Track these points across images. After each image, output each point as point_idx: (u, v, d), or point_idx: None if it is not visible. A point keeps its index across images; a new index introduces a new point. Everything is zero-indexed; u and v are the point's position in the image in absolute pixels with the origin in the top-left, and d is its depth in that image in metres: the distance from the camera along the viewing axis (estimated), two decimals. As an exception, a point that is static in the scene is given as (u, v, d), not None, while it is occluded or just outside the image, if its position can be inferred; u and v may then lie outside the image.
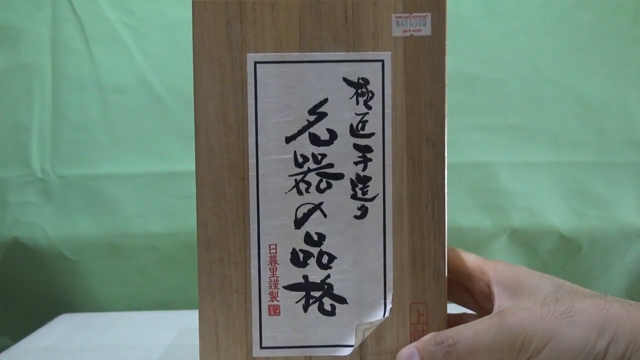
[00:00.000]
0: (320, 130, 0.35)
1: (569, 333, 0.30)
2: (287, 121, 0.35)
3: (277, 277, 0.36)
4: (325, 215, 0.36)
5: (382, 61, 0.35)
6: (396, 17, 0.35)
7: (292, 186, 0.36)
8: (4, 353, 0.54)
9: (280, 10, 0.35)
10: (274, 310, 0.36)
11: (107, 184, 0.67)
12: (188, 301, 0.65)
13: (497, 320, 0.32)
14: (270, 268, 0.36)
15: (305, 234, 0.36)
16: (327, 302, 0.36)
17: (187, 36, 0.36)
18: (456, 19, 0.67)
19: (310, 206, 0.36)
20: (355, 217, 0.36)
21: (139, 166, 0.67)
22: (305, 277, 0.36)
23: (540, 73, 0.68)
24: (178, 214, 0.67)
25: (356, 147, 0.35)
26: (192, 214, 0.36)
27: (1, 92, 0.67)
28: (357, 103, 0.35)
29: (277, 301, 0.36)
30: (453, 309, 0.41)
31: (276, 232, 0.36)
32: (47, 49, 0.67)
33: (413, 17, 0.35)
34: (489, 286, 0.36)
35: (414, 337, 0.35)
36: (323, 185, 0.36)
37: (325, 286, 0.36)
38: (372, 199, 0.35)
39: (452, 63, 0.66)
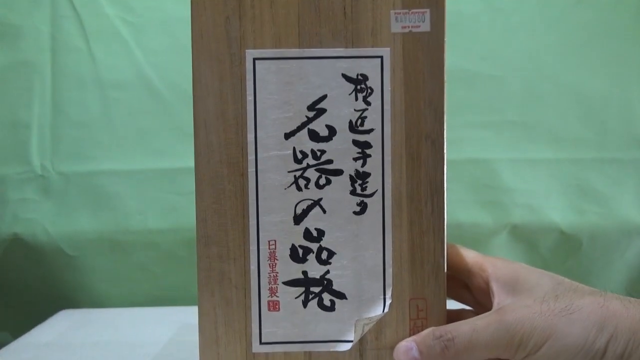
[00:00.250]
0: (319, 126, 0.35)
1: (568, 330, 0.30)
2: (286, 117, 0.35)
3: (277, 272, 0.36)
4: (324, 211, 0.36)
5: (381, 57, 0.35)
6: (395, 13, 0.35)
7: (291, 182, 0.36)
8: (5, 349, 0.54)
9: (279, 6, 0.35)
10: (274, 306, 0.36)
11: (107, 180, 0.67)
12: (188, 297, 0.65)
13: (496, 317, 0.32)
14: (269, 264, 0.36)
15: (305, 229, 0.36)
16: (327, 298, 0.36)
17: (187, 33, 0.36)
18: (456, 16, 0.67)
19: (309, 202, 0.36)
20: (355, 213, 0.36)
21: (139, 163, 0.67)
22: (304, 272, 0.36)
23: (541, 70, 0.68)
24: (178, 211, 0.67)
25: (355, 143, 0.35)
26: (192, 210, 0.36)
27: (1, 89, 0.67)
28: (356, 99, 0.35)
29: (277, 297, 0.36)
30: (452, 305, 0.41)
31: (275, 228, 0.36)
32: (47, 46, 0.67)
33: (412, 13, 0.35)
34: (487, 283, 0.36)
35: (413, 333, 0.35)
36: (322, 181, 0.36)
37: (325, 282, 0.36)
38: (371, 195, 0.36)
39: (453, 60, 0.66)
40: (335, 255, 0.36)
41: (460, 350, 0.32)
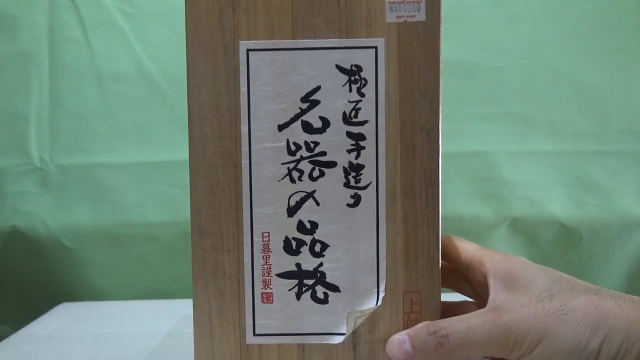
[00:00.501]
0: (313, 118, 0.35)
1: (562, 331, 0.30)
2: (280, 109, 0.35)
3: (270, 264, 0.36)
4: (318, 204, 0.35)
5: (376, 48, 0.35)
6: (390, 2, 0.34)
7: (284, 174, 0.35)
8: (4, 341, 0.54)
9: None
10: (267, 298, 0.36)
11: (106, 173, 0.67)
12: (187, 290, 0.65)
13: (491, 316, 0.32)
14: (263, 256, 0.36)
15: (298, 222, 0.36)
16: (320, 290, 0.36)
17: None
18: (457, 7, 0.66)
19: (303, 194, 0.35)
20: (348, 205, 0.35)
21: (138, 155, 0.67)
22: (298, 265, 0.36)
23: (542, 61, 0.67)
24: (177, 203, 0.67)
25: (349, 134, 0.35)
26: (190, 203, 0.36)
27: (-2, 80, 0.67)
28: (350, 90, 0.35)
29: (270, 289, 0.36)
30: (453, 297, 0.41)
31: (269, 220, 0.36)
32: (45, 37, 0.67)
33: (407, 2, 0.34)
34: (485, 277, 0.36)
35: (407, 326, 0.35)
36: (316, 173, 0.35)
37: (318, 274, 0.36)
38: (365, 187, 0.35)
39: (453, 51, 0.67)
40: (328, 248, 0.36)
41: (454, 347, 0.32)
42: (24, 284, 0.69)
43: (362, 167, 0.35)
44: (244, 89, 0.35)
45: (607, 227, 0.66)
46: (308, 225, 0.36)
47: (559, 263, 0.67)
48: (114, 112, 0.67)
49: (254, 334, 0.36)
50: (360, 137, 0.35)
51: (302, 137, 0.35)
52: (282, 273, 0.36)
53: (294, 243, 0.36)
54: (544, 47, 0.67)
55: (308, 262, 0.36)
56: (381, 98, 0.35)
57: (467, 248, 0.38)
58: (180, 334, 0.54)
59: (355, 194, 0.35)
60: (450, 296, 0.41)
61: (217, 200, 0.36)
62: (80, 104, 0.67)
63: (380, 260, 0.35)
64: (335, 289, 0.36)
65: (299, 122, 0.35)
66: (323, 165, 0.35)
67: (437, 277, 0.36)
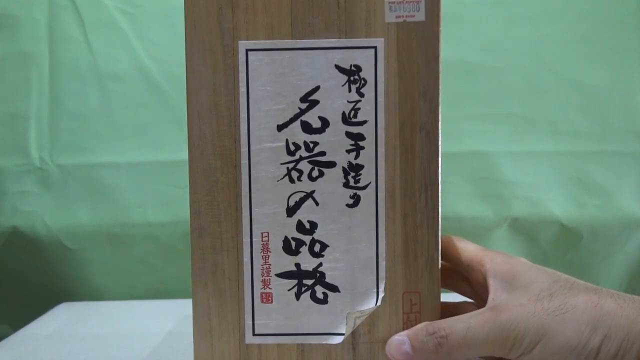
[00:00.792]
0: (312, 118, 0.35)
1: (562, 330, 0.30)
2: (279, 109, 0.35)
3: (270, 264, 0.36)
4: (317, 204, 0.35)
5: (375, 48, 0.35)
6: (389, 2, 0.34)
7: (284, 174, 0.35)
8: (4, 341, 0.54)
9: None
10: (267, 298, 0.36)
11: (106, 173, 0.67)
12: (187, 290, 0.65)
13: (490, 315, 0.32)
14: (262, 256, 0.36)
15: (298, 222, 0.36)
16: (320, 290, 0.36)
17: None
18: (457, 6, 0.66)
19: (302, 194, 0.35)
20: (348, 205, 0.35)
21: (138, 155, 0.67)
22: (297, 265, 0.36)
23: (542, 61, 0.67)
24: (177, 203, 0.67)
25: (348, 135, 0.35)
26: (190, 202, 0.36)
27: (-2, 80, 0.67)
28: (350, 90, 0.35)
29: (270, 289, 0.36)
30: (454, 297, 0.41)
31: (268, 220, 0.36)
32: (45, 37, 0.67)
33: (406, 2, 0.34)
34: (485, 277, 0.36)
35: (407, 326, 0.35)
36: (315, 173, 0.35)
37: (318, 274, 0.36)
38: (364, 188, 0.35)
39: (453, 51, 0.67)
40: (328, 248, 0.36)
41: (453, 347, 0.32)
42: (24, 284, 0.69)
43: (361, 167, 0.35)
44: (243, 89, 0.35)
45: (607, 227, 0.66)
46: (307, 225, 0.36)
47: (559, 263, 0.67)
48: (114, 112, 0.67)
49: (254, 334, 0.36)
50: (360, 137, 0.35)
51: (301, 137, 0.35)
52: (281, 273, 0.36)
53: (293, 243, 0.36)
54: (544, 47, 0.67)
55: (307, 262, 0.36)
56: (380, 98, 0.35)
57: (467, 248, 0.38)
58: (180, 334, 0.54)
59: (355, 194, 0.35)
60: (450, 297, 0.41)
61: (216, 201, 0.36)
62: (80, 104, 0.67)
63: (379, 260, 0.35)
64: (334, 289, 0.36)
65: (298, 122, 0.35)
66: (322, 165, 0.35)
67: (436, 277, 0.36)
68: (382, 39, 0.35)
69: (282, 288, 0.36)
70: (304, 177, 0.35)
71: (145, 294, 0.69)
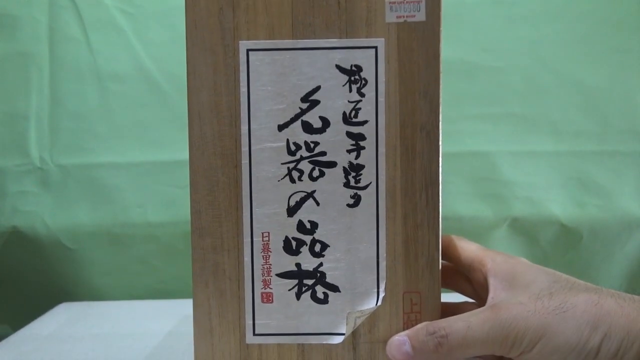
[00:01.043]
0: (313, 118, 0.35)
1: (562, 329, 0.30)
2: (280, 109, 0.35)
3: (270, 264, 0.36)
4: (318, 204, 0.35)
5: (376, 48, 0.35)
6: (390, 2, 0.34)
7: (284, 174, 0.35)
8: (4, 341, 0.54)
9: None
10: (267, 298, 0.36)
11: (106, 173, 0.67)
12: (187, 290, 0.65)
13: (490, 314, 0.32)
14: (263, 256, 0.36)
15: (298, 222, 0.36)
16: (320, 290, 0.36)
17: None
18: (457, 6, 0.66)
19: (302, 194, 0.35)
20: (348, 205, 0.35)
21: (138, 155, 0.67)
22: (298, 265, 0.36)
23: (542, 61, 0.67)
24: (177, 203, 0.67)
25: (349, 135, 0.35)
26: (190, 202, 0.36)
27: (-2, 80, 0.67)
28: (350, 90, 0.35)
29: (270, 289, 0.36)
30: (454, 297, 0.41)
31: (269, 220, 0.36)
32: (45, 37, 0.67)
33: (407, 2, 0.34)
34: (486, 277, 0.36)
35: (407, 326, 0.35)
36: (316, 173, 0.35)
37: (318, 274, 0.36)
38: (365, 188, 0.35)
39: (453, 51, 0.67)
40: (328, 248, 0.36)
41: (454, 347, 0.32)
42: (24, 284, 0.69)
43: (362, 167, 0.35)
44: (243, 89, 0.35)
45: (607, 227, 0.66)
46: (308, 225, 0.36)
47: (559, 263, 0.67)
48: (114, 112, 0.67)
49: (254, 334, 0.36)
50: (360, 137, 0.35)
51: (302, 137, 0.35)
52: (282, 273, 0.36)
53: (293, 243, 0.36)
54: (544, 47, 0.67)
55: (308, 262, 0.36)
56: (381, 98, 0.35)
57: (468, 248, 0.38)
58: (180, 334, 0.54)
59: (355, 194, 0.35)
60: (450, 297, 0.41)
61: (217, 200, 0.36)
62: (80, 104, 0.67)
63: (380, 260, 0.35)
64: (335, 289, 0.36)
65: (299, 122, 0.35)
66: (323, 165, 0.35)
67: (437, 277, 0.36)
68: (383, 39, 0.35)
69: (283, 288, 0.36)
70: (305, 177, 0.35)
71: (145, 294, 0.69)
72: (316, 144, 0.35)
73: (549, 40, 0.67)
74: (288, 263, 0.36)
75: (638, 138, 0.66)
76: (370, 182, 0.35)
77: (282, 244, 0.36)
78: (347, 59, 0.35)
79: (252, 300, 0.36)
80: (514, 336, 0.31)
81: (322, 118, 0.35)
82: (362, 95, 0.35)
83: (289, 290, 0.36)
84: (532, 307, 0.31)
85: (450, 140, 0.66)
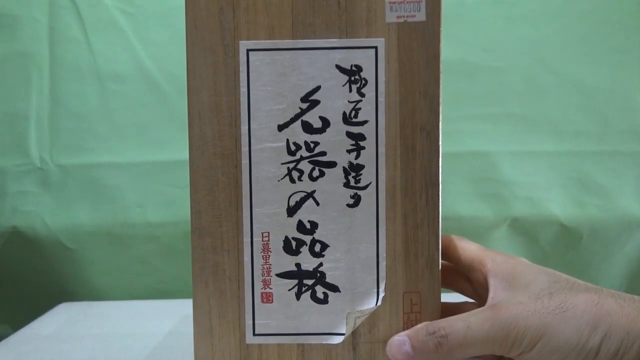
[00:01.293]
0: (313, 118, 0.35)
1: (562, 329, 0.30)
2: (280, 109, 0.35)
3: (270, 264, 0.36)
4: (317, 204, 0.35)
5: (376, 48, 0.35)
6: (390, 2, 0.34)
7: (284, 174, 0.35)
8: (4, 341, 0.54)
9: None
10: (267, 298, 0.36)
11: (106, 173, 0.67)
12: (187, 290, 0.65)
13: (490, 314, 0.32)
14: (263, 256, 0.36)
15: (298, 222, 0.36)
16: (320, 290, 0.36)
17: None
18: (457, 6, 0.66)
19: (302, 194, 0.35)
20: (348, 205, 0.35)
21: (138, 155, 0.67)
22: (298, 265, 0.36)
23: (542, 61, 0.67)
24: (177, 203, 0.67)
25: (349, 135, 0.35)
26: (190, 202, 0.36)
27: (-2, 80, 0.67)
28: (350, 90, 0.35)
29: (270, 289, 0.36)
30: (455, 297, 0.41)
31: (269, 220, 0.36)
32: (45, 37, 0.67)
33: (407, 2, 0.34)
34: (486, 277, 0.36)
35: (407, 326, 0.35)
36: (316, 173, 0.35)
37: (318, 274, 0.36)
38: (365, 188, 0.35)
39: (453, 51, 0.67)
40: (328, 248, 0.36)
41: (454, 347, 0.32)
42: (24, 284, 0.69)
43: (362, 167, 0.35)
44: (244, 89, 0.35)
45: (607, 227, 0.66)
46: (308, 225, 0.36)
47: (558, 263, 0.67)
48: (114, 112, 0.67)
49: (254, 334, 0.36)
50: (360, 137, 0.35)
51: (302, 137, 0.35)
52: (282, 273, 0.36)
53: (293, 243, 0.36)
54: (544, 47, 0.67)
55: (308, 262, 0.36)
56: (381, 98, 0.35)
57: (468, 248, 0.38)
58: (180, 334, 0.54)
59: (355, 194, 0.35)
60: (451, 297, 0.41)
61: (217, 200, 0.36)
62: (80, 104, 0.67)
63: (380, 260, 0.35)
64: (335, 289, 0.36)
65: (299, 122, 0.35)
66: (323, 165, 0.35)
67: (437, 277, 0.36)
68: (383, 39, 0.35)
69: (283, 288, 0.36)
70: (305, 177, 0.35)
71: (145, 294, 0.69)
72: (316, 144, 0.35)
73: (549, 40, 0.67)
74: (288, 263, 0.36)
75: (638, 138, 0.66)
76: (370, 182, 0.35)
77: (282, 244, 0.36)
78: (347, 59, 0.35)
79: (252, 300, 0.36)
80: (514, 336, 0.31)
81: (322, 118, 0.35)
82: (362, 95, 0.35)
83: (289, 290, 0.36)
84: (532, 307, 0.31)
85: (450, 140, 0.66)
